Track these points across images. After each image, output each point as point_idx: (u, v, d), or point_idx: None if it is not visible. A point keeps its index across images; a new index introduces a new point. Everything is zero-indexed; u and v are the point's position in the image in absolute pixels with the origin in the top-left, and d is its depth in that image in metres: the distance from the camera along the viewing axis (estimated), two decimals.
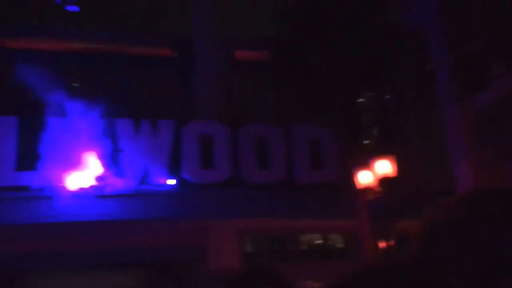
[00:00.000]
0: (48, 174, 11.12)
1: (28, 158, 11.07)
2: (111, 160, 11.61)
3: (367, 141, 13.30)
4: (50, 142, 11.20)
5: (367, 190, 12.22)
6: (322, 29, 12.58)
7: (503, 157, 10.76)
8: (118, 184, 11.63)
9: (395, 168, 11.94)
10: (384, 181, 12.06)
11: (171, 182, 12.01)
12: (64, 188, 11.20)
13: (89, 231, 11.16)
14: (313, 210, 12.00)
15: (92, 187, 11.48)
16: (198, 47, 14.16)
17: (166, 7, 14.91)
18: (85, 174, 11.59)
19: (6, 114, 11.65)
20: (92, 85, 13.54)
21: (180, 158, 12.15)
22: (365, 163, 12.11)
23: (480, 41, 11.19)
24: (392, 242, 12.20)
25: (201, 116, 13.03)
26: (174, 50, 14.68)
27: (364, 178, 12.31)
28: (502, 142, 11.09)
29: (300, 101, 13.23)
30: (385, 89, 13.40)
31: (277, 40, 13.13)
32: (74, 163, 11.44)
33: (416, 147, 12.95)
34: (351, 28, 12.51)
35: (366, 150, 12.89)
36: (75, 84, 13.33)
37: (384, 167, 12.18)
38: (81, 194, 11.27)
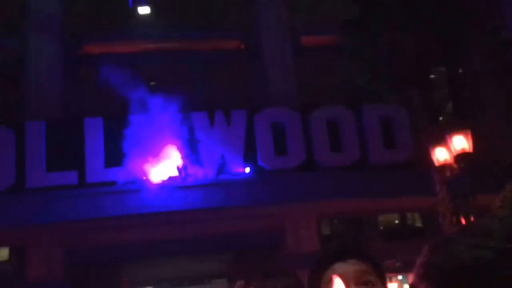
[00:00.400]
0: (133, 169, 11.86)
1: (115, 155, 11.85)
2: (190, 152, 12.18)
3: (441, 117, 13.04)
4: (133, 138, 11.93)
5: (443, 166, 12.04)
6: (391, 4, 12.42)
7: None
8: (198, 174, 12.19)
9: (472, 143, 11.67)
10: (461, 157, 11.84)
11: (247, 170, 12.43)
12: (148, 180, 11.91)
13: (172, 220, 11.83)
14: (389, 190, 12.00)
15: (174, 178, 12.11)
16: (264, 37, 14.45)
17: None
18: (167, 166, 12.24)
19: (93, 115, 12.51)
20: (168, 81, 14.21)
21: (254, 146, 12.55)
22: (441, 140, 11.92)
23: None
24: (472, 219, 11.97)
25: (272, 103, 13.33)
26: (241, 41, 15.07)
27: (440, 154, 12.13)
28: None
29: (370, 81, 13.16)
30: (457, 63, 13.03)
31: (346, 20, 13.05)
32: (157, 157, 12.12)
33: (492, 121, 12.55)
34: (421, 2, 12.26)
35: (441, 126, 12.66)
36: (152, 83, 14.02)
37: (460, 142, 11.95)
38: (164, 185, 11.92)
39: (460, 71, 13.29)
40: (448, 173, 12.24)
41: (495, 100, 12.81)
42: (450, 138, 12.11)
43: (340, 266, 1.68)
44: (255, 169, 12.42)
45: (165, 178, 12.05)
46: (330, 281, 1.62)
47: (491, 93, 12.87)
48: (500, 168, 11.43)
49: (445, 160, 12.11)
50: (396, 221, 13.14)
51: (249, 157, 12.43)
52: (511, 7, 11.93)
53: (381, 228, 12.98)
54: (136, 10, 14.83)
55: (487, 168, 12.20)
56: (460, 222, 12.25)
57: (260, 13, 14.83)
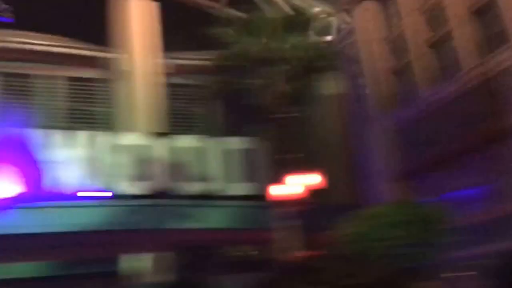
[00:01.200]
0: None
1: None
2: (31, 172, 11.60)
3: (296, 155, 13.44)
4: None
5: (285, 201, 12.20)
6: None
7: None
8: (45, 195, 11.62)
9: (321, 180, 12.04)
10: (310, 193, 12.15)
11: (107, 193, 12.22)
12: None
13: None
14: (223, 222, 12.18)
15: (15, 198, 11.43)
16: None
17: None
18: (10, 185, 11.54)
19: None
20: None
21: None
22: (286, 176, 12.16)
23: None
24: (317, 252, 12.06)
25: None
26: None
27: (278, 190, 12.26)
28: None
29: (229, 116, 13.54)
30: (309, 106, 13.76)
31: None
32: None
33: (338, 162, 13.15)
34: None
35: (289, 163, 13.01)
36: None
37: (309, 179, 12.24)
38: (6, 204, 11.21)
39: (310, 114, 14.02)
40: (292, 208, 12.50)
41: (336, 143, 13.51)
42: (299, 174, 12.46)
43: None
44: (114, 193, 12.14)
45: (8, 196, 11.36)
46: None
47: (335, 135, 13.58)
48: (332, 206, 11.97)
49: (282, 195, 12.26)
50: (235, 253, 13.30)
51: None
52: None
53: (219, 259, 13.00)
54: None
55: (337, 205, 12.62)
56: (298, 256, 12.43)
57: None
